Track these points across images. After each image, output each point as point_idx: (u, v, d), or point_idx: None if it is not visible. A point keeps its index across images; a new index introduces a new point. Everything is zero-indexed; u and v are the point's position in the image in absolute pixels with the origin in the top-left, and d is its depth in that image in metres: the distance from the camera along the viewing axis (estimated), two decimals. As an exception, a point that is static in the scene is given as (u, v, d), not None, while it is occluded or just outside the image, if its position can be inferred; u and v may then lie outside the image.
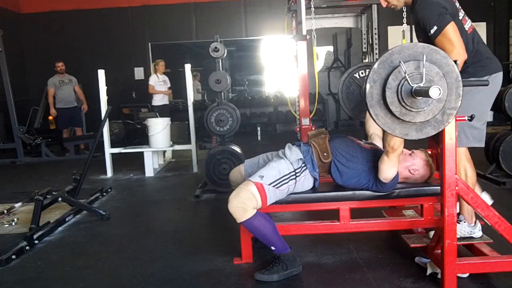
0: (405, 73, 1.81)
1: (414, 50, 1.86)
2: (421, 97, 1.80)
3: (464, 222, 2.36)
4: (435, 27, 2.19)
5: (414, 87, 1.80)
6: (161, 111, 7.62)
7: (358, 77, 3.31)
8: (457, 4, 2.33)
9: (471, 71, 2.31)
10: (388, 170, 2.29)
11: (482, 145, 2.40)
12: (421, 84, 1.79)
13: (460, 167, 2.34)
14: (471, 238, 2.39)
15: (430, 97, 1.71)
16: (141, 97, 9.31)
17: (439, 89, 1.70)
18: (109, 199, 4.46)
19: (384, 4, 2.42)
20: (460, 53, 2.17)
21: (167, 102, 8.06)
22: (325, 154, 2.44)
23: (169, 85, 8.04)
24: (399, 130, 1.92)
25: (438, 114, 1.87)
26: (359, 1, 5.37)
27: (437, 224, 2.20)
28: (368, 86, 1.89)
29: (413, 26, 2.48)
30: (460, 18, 2.31)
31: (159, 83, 7.85)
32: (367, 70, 3.19)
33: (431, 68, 1.84)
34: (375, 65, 1.88)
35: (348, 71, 3.37)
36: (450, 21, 2.19)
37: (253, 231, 2.34)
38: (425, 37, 2.28)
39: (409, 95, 1.82)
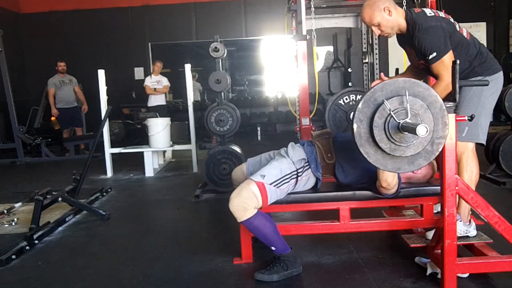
0: (389, 110, 1.85)
1: (396, 86, 1.89)
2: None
3: (460, 221, 2.36)
4: (434, 53, 2.24)
5: (400, 123, 1.83)
6: (157, 111, 7.54)
7: (342, 103, 3.41)
8: (452, 19, 2.39)
9: (479, 70, 2.38)
10: (387, 176, 2.28)
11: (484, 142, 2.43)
12: (407, 120, 1.82)
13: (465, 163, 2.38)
14: (467, 237, 2.39)
15: (417, 135, 1.74)
16: (141, 97, 9.28)
17: (426, 127, 1.72)
18: (109, 199, 4.46)
19: (377, 33, 2.43)
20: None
21: (162, 103, 7.92)
22: (329, 155, 2.45)
23: (165, 84, 7.89)
24: (391, 165, 1.96)
25: (428, 145, 1.91)
26: (359, 1, 5.36)
27: (437, 224, 2.20)
28: (355, 126, 1.92)
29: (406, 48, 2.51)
30: (458, 29, 2.37)
31: (152, 83, 7.81)
32: (351, 95, 3.34)
33: (415, 102, 1.87)
34: (360, 105, 1.91)
35: (331, 98, 3.47)
36: (449, 49, 2.26)
37: (253, 231, 2.34)
38: (426, 60, 2.32)
39: (397, 131, 1.85)
